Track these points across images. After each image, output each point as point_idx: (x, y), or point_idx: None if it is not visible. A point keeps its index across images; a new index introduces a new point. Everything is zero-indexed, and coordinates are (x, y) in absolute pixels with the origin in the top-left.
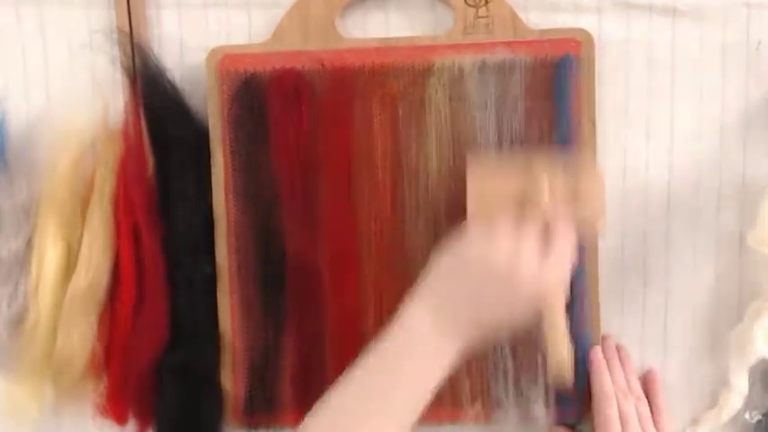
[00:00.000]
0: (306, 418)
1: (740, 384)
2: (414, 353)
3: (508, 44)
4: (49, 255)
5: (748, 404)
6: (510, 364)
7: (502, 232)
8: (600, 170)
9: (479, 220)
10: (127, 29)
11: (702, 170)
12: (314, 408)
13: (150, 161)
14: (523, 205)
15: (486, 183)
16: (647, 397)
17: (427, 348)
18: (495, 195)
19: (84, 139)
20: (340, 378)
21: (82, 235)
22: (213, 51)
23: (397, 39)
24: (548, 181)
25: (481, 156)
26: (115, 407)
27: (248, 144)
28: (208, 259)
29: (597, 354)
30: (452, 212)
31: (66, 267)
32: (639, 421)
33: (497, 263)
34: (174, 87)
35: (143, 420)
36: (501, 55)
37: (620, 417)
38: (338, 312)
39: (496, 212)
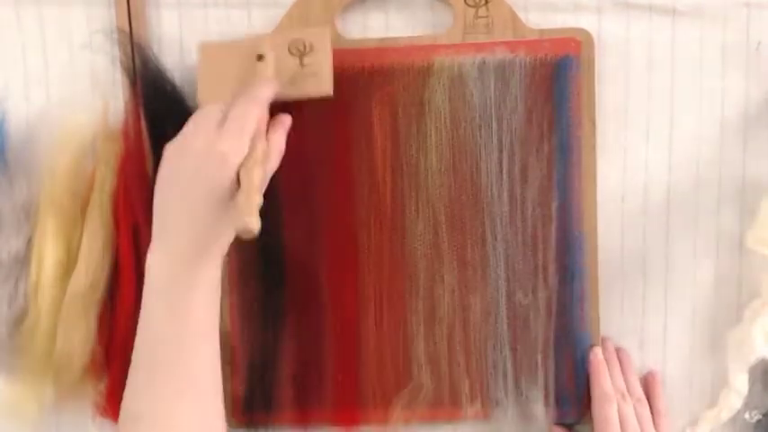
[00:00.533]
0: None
1: (740, 384)
2: (174, 303)
3: (508, 44)
4: (49, 255)
5: (748, 404)
6: (509, 364)
7: (187, 131)
8: (325, 35)
9: (208, 101)
10: (127, 29)
11: (702, 170)
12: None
13: (150, 161)
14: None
15: (216, 63)
16: (648, 398)
17: (181, 290)
18: (223, 74)
19: (84, 139)
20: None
21: (82, 235)
22: None
23: (397, 39)
24: (273, 58)
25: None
26: (115, 407)
27: None
28: None
29: (597, 355)
30: (452, 212)
31: (66, 267)
32: (639, 423)
33: (175, 155)
34: (173, 87)
35: None
36: (501, 55)
37: (620, 418)
38: (338, 312)
39: (225, 94)
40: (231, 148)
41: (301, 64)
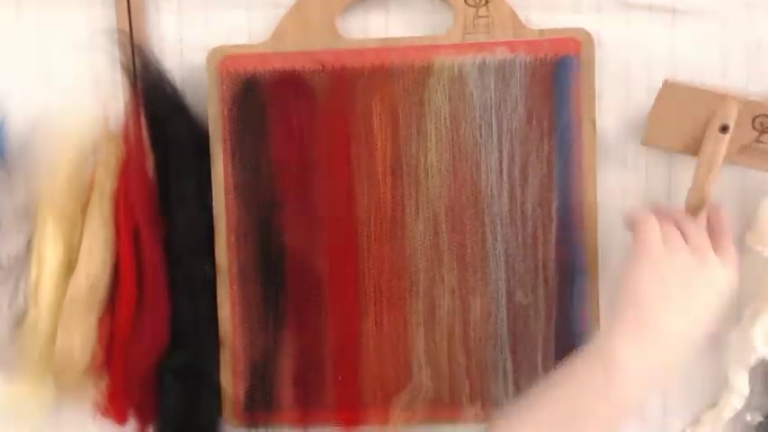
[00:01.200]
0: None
1: (740, 385)
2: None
3: (508, 44)
4: (49, 255)
5: (749, 406)
6: (510, 364)
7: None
8: None
9: (653, 142)
10: (127, 29)
11: None
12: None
13: (150, 162)
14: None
15: (674, 104)
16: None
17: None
18: (677, 118)
19: (85, 139)
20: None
21: (82, 235)
22: (213, 52)
23: (397, 39)
24: (737, 109)
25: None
26: (115, 406)
27: (248, 145)
28: (208, 259)
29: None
30: (452, 212)
31: (67, 267)
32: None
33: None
34: (174, 88)
35: (143, 420)
36: (501, 55)
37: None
38: (338, 312)
39: (672, 138)
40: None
41: (758, 141)
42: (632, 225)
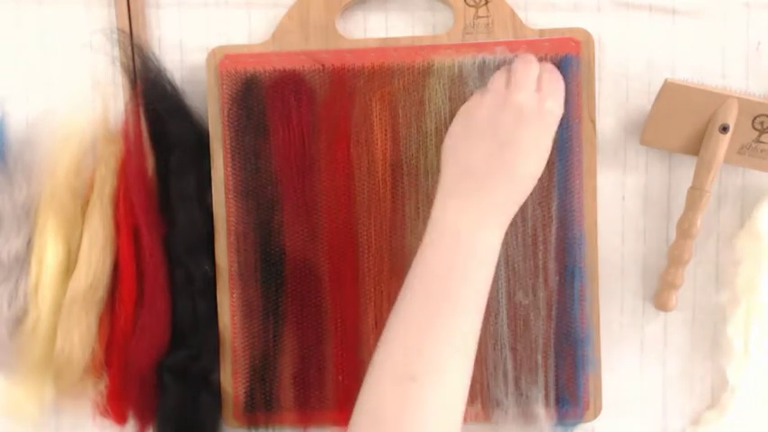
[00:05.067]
0: (382, 334)
1: (740, 384)
2: (460, 250)
3: (508, 44)
4: (49, 255)
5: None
6: (510, 364)
7: (494, 86)
8: None
9: (652, 141)
10: (127, 29)
11: None
12: (386, 323)
13: (150, 161)
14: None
15: (674, 104)
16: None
17: (471, 240)
18: (676, 117)
19: (84, 139)
20: (398, 298)
21: (82, 235)
22: (213, 52)
23: (397, 39)
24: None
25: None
26: (115, 406)
27: (248, 144)
28: (208, 259)
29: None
30: None
31: (66, 267)
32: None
33: (524, 107)
34: (173, 88)
35: (143, 420)
36: (501, 55)
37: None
38: (338, 312)
39: (671, 137)
40: (556, 107)
41: (758, 141)
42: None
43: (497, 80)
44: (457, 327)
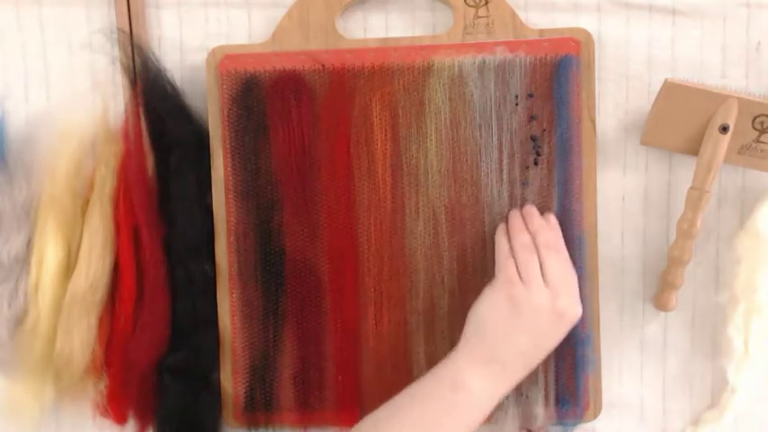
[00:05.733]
0: None
1: (740, 384)
2: (461, 408)
3: (508, 44)
4: (49, 255)
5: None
6: None
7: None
8: None
9: (653, 142)
10: (127, 29)
11: None
12: None
13: (150, 161)
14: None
15: (675, 104)
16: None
17: (473, 403)
18: (677, 117)
19: (84, 139)
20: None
21: (82, 235)
22: (213, 52)
23: (397, 39)
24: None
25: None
26: (115, 407)
27: (248, 144)
28: (208, 259)
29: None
30: (452, 212)
31: (66, 267)
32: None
33: (540, 309)
34: (173, 88)
35: (143, 420)
36: (501, 55)
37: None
38: (338, 312)
39: (671, 138)
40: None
41: (758, 141)
42: (498, 251)
43: (537, 272)
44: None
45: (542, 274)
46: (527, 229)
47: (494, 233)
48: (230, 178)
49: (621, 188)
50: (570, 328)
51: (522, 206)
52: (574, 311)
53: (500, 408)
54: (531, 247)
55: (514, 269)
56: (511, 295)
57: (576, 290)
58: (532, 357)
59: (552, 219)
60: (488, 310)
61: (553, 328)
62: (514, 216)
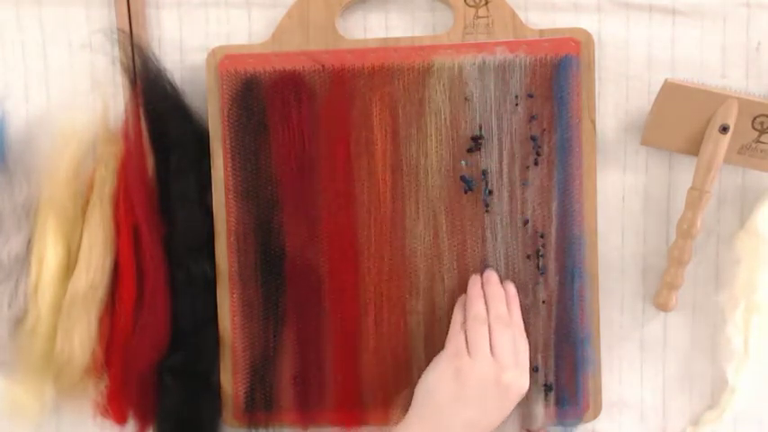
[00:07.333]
0: None
1: (740, 384)
2: None
3: (508, 44)
4: (49, 255)
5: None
6: None
7: (475, 353)
8: None
9: (653, 142)
10: (127, 29)
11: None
12: None
13: (150, 161)
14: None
15: (674, 104)
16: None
17: None
18: (677, 117)
19: (84, 139)
20: None
21: (82, 235)
22: (213, 52)
23: (397, 39)
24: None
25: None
26: (115, 407)
27: (248, 144)
28: (208, 259)
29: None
30: (452, 212)
31: (66, 267)
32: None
33: (485, 381)
34: (173, 88)
35: (143, 420)
36: (501, 55)
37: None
38: (338, 312)
39: (671, 138)
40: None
41: (758, 141)
42: (452, 322)
43: (484, 345)
44: None
45: (491, 347)
46: (485, 297)
47: (494, 233)
48: (230, 178)
49: (621, 188)
50: (518, 402)
51: (521, 204)
52: (519, 385)
53: None
54: (482, 319)
55: (463, 341)
56: (456, 367)
57: (526, 363)
58: (480, 428)
59: (510, 288)
60: (435, 382)
61: (499, 400)
62: (473, 284)
